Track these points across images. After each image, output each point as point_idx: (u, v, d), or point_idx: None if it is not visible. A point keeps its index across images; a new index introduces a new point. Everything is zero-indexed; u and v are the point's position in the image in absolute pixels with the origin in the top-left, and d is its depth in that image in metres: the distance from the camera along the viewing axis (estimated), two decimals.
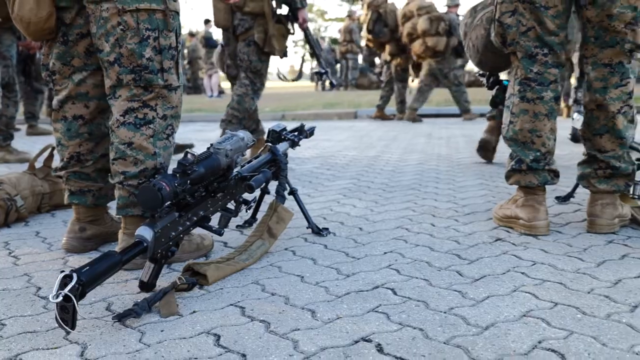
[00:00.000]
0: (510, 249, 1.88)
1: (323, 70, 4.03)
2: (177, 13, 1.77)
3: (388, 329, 1.29)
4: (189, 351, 1.21)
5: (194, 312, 1.42)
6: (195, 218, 1.64)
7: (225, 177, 1.74)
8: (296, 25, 3.83)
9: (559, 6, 1.98)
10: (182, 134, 5.98)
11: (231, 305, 1.46)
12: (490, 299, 1.45)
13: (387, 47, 7.69)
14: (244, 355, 1.19)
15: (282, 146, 2.13)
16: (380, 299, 1.48)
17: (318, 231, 2.12)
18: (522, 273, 1.64)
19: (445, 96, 10.72)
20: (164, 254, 1.54)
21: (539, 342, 1.21)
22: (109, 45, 1.69)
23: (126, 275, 1.69)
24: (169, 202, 1.50)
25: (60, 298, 1.20)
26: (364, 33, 8.03)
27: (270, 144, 2.10)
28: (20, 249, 2.04)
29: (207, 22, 14.89)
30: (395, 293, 1.51)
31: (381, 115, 8.19)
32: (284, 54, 3.82)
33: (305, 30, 3.87)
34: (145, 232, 1.47)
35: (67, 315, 1.22)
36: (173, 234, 1.55)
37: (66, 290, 1.21)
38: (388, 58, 7.78)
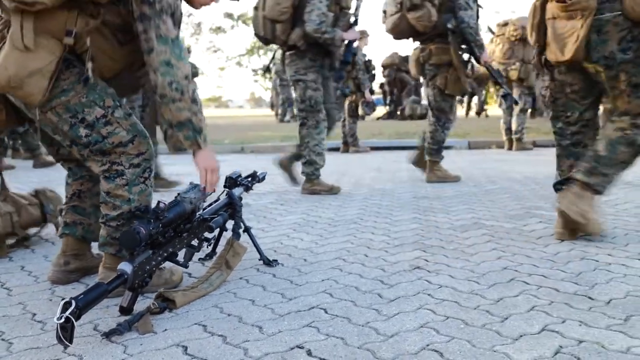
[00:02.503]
0: (424, 275, 2.31)
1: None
2: (91, 86, 1.96)
3: (317, 338, 1.69)
4: (163, 358, 1.59)
5: (166, 329, 1.80)
6: (165, 254, 2.02)
7: (190, 219, 2.12)
8: None
9: None
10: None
11: (195, 324, 1.84)
12: (398, 315, 1.87)
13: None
14: None
15: (237, 191, 2.53)
16: (314, 316, 1.88)
17: (268, 262, 2.51)
18: (429, 294, 2.07)
19: (398, 129, 11.32)
20: (140, 283, 1.91)
21: (427, 345, 1.62)
22: (57, 135, 2.04)
23: (107, 302, 2.05)
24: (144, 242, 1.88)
25: (63, 320, 1.56)
26: None
27: (227, 189, 2.50)
28: (10, 281, 2.37)
29: None
30: (326, 312, 1.92)
31: (346, 149, 8.67)
32: (463, 93, 5.02)
33: (488, 67, 4.93)
34: (126, 267, 1.84)
35: (66, 334, 1.58)
36: (147, 267, 1.92)
37: (67, 313, 1.57)
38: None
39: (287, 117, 17.27)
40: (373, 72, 8.79)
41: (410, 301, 2.01)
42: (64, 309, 1.58)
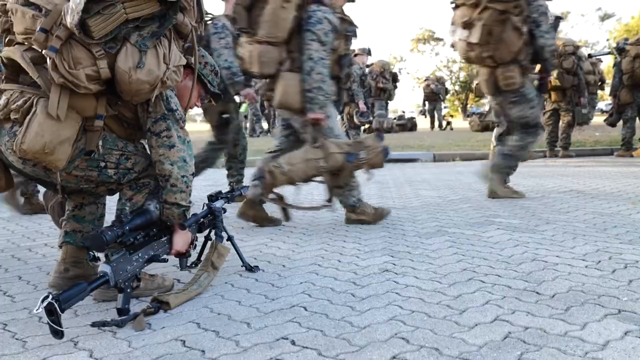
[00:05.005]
0: (392, 276, 2.57)
1: None
2: (104, 140, 2.23)
3: (299, 331, 1.93)
4: (165, 350, 1.81)
5: (164, 327, 2.01)
6: (146, 256, 2.22)
7: (167, 225, 2.33)
8: None
9: None
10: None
11: (190, 321, 2.07)
12: (370, 310, 2.12)
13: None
14: (203, 351, 1.80)
15: (218, 203, 2.75)
16: (295, 313, 2.12)
17: (250, 268, 2.74)
18: (396, 293, 2.32)
19: None
20: (127, 284, 2.11)
21: (395, 334, 1.88)
22: (83, 185, 2.31)
23: (107, 305, 2.25)
24: (119, 245, 2.11)
25: (41, 309, 1.78)
26: None
27: (207, 202, 2.72)
28: (11, 290, 2.55)
29: None
30: (306, 309, 2.16)
31: None
32: None
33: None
34: (105, 268, 2.05)
35: (55, 324, 1.80)
36: (129, 267, 2.12)
37: (43, 305, 1.78)
38: (341, 107, 8.66)
39: (257, 132, 17.48)
40: (367, 86, 9.11)
41: (380, 299, 2.26)
42: (42, 302, 1.80)
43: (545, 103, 9.02)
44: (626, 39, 8.98)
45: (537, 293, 2.27)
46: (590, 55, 9.13)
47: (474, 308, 2.12)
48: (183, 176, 2.25)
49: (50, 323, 1.80)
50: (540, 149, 8.86)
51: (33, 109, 2.07)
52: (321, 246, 3.25)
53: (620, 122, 8.82)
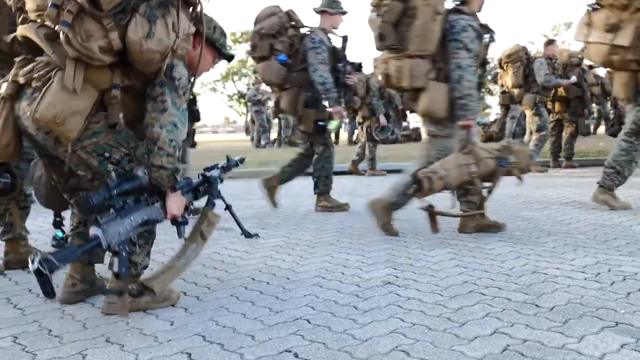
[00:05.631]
0: (394, 289, 2.61)
1: None
2: (118, 130, 2.29)
3: (302, 344, 1.98)
4: (182, 344, 1.86)
5: (170, 340, 2.07)
6: (139, 220, 2.25)
7: (159, 191, 2.35)
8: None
9: None
10: None
11: (195, 334, 2.12)
12: (372, 323, 2.17)
13: (360, 112, 8.67)
14: None
15: (214, 172, 2.77)
16: (298, 326, 2.16)
17: (249, 235, 2.82)
18: (398, 305, 2.37)
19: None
20: (121, 247, 2.15)
21: (396, 347, 1.92)
22: (80, 170, 2.34)
23: (116, 318, 2.31)
24: (107, 209, 2.15)
25: (36, 266, 1.87)
26: None
27: (202, 172, 2.74)
28: (21, 302, 2.60)
29: None
30: (309, 322, 2.21)
31: (355, 170, 9.01)
32: None
33: None
34: (95, 230, 2.11)
35: (45, 285, 1.89)
36: (121, 230, 2.17)
37: (36, 263, 1.88)
38: (361, 120, 8.74)
39: (262, 143, 17.56)
40: (387, 97, 9.13)
41: (382, 311, 2.30)
42: (32, 262, 1.90)
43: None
44: None
45: (537, 306, 2.31)
46: (591, 67, 9.16)
47: (473, 321, 2.16)
48: (171, 140, 2.26)
49: (40, 283, 1.88)
50: (543, 160, 8.88)
51: (51, 80, 2.16)
52: (325, 259, 3.29)
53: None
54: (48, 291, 1.90)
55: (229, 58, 2.82)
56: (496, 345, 1.92)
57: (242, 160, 3.06)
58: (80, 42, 2.10)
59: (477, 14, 3.88)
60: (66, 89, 2.14)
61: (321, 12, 5.12)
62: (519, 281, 2.67)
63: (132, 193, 2.26)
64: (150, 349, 1.99)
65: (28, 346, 2.06)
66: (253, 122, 18.46)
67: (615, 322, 2.09)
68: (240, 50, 29.51)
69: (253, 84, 20.89)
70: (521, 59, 8.05)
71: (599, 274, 2.75)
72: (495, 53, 36.69)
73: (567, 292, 2.47)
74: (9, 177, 2.83)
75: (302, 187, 6.47)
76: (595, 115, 15.46)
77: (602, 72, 9.94)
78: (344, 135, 18.58)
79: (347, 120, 17.14)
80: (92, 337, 2.12)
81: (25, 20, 2.32)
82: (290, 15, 5.01)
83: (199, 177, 2.69)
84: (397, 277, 2.83)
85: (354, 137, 16.45)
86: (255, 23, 5.01)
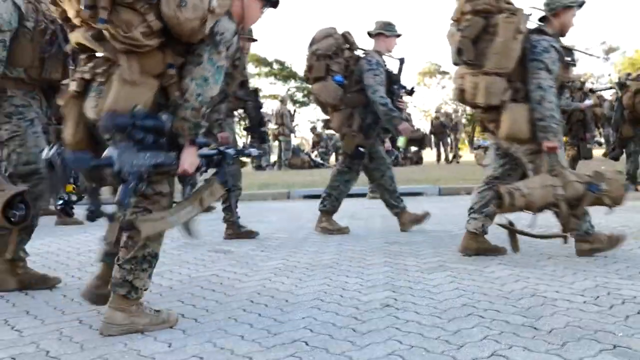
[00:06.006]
0: (393, 311, 2.61)
1: None
2: None
3: None
4: None
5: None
6: (154, 160, 2.26)
7: (176, 142, 2.33)
8: None
9: None
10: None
11: (193, 356, 2.12)
12: (370, 345, 2.16)
13: None
14: None
15: (231, 150, 2.72)
16: (296, 348, 2.16)
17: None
18: (397, 328, 2.37)
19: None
20: (132, 178, 2.16)
21: None
22: None
23: (114, 340, 2.30)
24: (127, 137, 2.17)
25: (49, 155, 2.01)
26: None
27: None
28: (19, 324, 2.60)
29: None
30: (307, 344, 2.20)
31: (374, 196, 8.94)
32: None
33: None
34: (111, 151, 2.14)
35: (53, 181, 2.04)
36: (135, 161, 2.18)
37: (49, 153, 2.01)
38: None
39: (263, 165, 17.61)
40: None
41: (380, 334, 2.30)
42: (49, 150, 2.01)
43: None
44: (628, 74, 9.08)
45: (535, 328, 2.31)
46: (592, 90, 9.24)
47: (471, 343, 2.16)
48: (199, 94, 2.27)
49: (49, 178, 2.00)
50: None
51: (111, 78, 2.24)
52: (324, 281, 3.29)
53: (624, 156, 8.86)
54: (54, 184, 1.92)
55: (275, 4, 2.83)
56: None
57: (257, 153, 3.02)
58: (123, 34, 2.17)
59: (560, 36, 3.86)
60: (126, 82, 2.20)
61: (377, 34, 5.16)
62: (518, 304, 2.67)
63: (153, 132, 2.26)
64: (165, 355, 1.99)
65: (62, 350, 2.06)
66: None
67: (613, 345, 2.09)
68: None
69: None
70: None
71: (598, 297, 2.75)
72: None
73: (565, 315, 2.47)
74: (24, 208, 2.88)
75: (301, 210, 6.48)
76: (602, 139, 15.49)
77: (606, 94, 10.03)
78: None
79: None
80: (89, 359, 2.12)
81: (74, 29, 2.37)
82: (346, 37, 5.10)
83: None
84: (396, 299, 2.83)
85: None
86: (311, 44, 5.09)
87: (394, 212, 5.24)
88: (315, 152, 19.14)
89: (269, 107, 20.99)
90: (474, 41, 3.71)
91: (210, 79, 2.30)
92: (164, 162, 2.31)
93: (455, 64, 3.94)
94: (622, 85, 8.55)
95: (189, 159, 2.35)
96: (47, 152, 2.23)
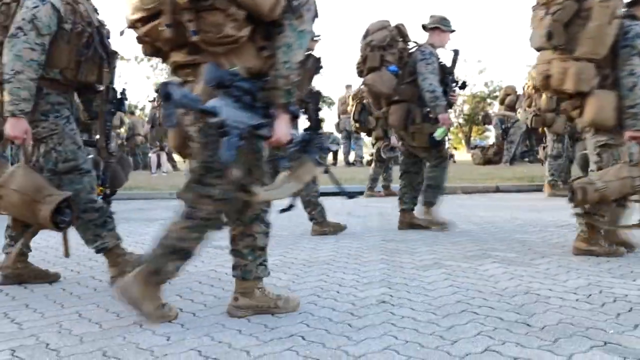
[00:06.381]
0: (388, 307, 2.65)
1: None
2: None
3: (296, 359, 2.01)
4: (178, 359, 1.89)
5: (166, 354, 2.10)
6: (252, 122, 2.26)
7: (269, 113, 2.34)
8: None
9: None
10: (123, 212, 6.56)
11: (191, 349, 2.15)
12: (366, 340, 2.20)
13: (374, 133, 8.70)
14: None
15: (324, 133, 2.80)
16: (293, 342, 2.20)
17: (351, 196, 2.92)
18: (392, 324, 2.40)
19: (367, 174, 11.72)
20: (234, 131, 2.17)
21: None
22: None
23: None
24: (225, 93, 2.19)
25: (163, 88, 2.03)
26: (351, 122, 8.98)
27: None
28: (18, 317, 2.63)
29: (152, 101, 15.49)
30: (303, 338, 2.24)
31: (389, 193, 8.96)
32: None
33: None
34: (215, 102, 2.16)
35: (168, 111, 2.07)
36: (238, 119, 2.20)
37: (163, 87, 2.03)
38: (374, 141, 8.75)
39: None
40: None
41: (376, 329, 2.34)
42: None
43: (544, 138, 9.14)
44: None
45: (528, 325, 2.35)
46: None
47: (465, 339, 2.20)
48: (285, 62, 2.29)
49: (163, 109, 2.05)
50: (539, 184, 8.95)
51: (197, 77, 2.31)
52: (321, 277, 3.33)
53: None
54: (169, 116, 1.99)
55: None
56: None
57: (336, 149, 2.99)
58: (217, 36, 2.22)
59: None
60: None
61: (433, 28, 5.20)
62: (512, 301, 2.71)
63: (249, 94, 2.28)
64: (165, 349, 2.02)
65: (26, 359, 2.09)
66: None
67: (604, 341, 2.13)
68: None
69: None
70: None
71: (590, 295, 2.79)
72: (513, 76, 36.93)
73: (558, 313, 2.51)
74: (69, 213, 2.93)
75: (299, 207, 6.50)
76: None
77: None
78: (341, 156, 18.65)
79: (343, 141, 17.25)
80: (89, 351, 2.15)
81: (167, 54, 2.44)
82: (400, 29, 5.15)
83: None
84: (391, 296, 2.86)
85: (351, 158, 16.52)
86: (365, 36, 5.15)
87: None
88: None
89: None
90: (565, 25, 3.61)
91: (293, 44, 2.31)
92: (261, 125, 2.32)
93: (539, 49, 3.84)
94: None
95: (283, 128, 2.37)
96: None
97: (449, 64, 5.20)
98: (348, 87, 16.10)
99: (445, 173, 5.24)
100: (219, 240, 2.94)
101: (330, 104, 32.90)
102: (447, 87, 5.09)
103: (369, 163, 16.70)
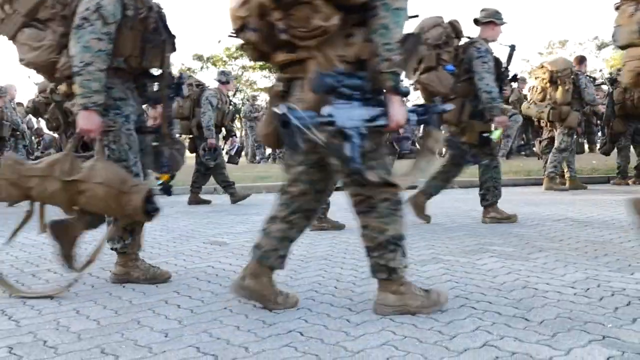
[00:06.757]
0: None
1: None
2: None
3: (295, 355, 2.01)
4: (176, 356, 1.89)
5: (164, 351, 2.09)
6: (367, 117, 2.27)
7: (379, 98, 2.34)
8: None
9: None
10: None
11: (190, 346, 2.14)
12: (364, 336, 2.20)
13: None
14: None
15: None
16: (291, 338, 2.19)
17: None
18: (390, 319, 2.40)
19: None
20: (354, 133, 2.22)
21: (387, 359, 1.96)
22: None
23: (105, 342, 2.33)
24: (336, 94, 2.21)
25: (281, 112, 2.09)
26: None
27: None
28: (16, 314, 2.63)
29: None
30: (302, 334, 2.24)
31: None
32: None
33: None
34: (329, 109, 2.18)
35: (291, 138, 2.09)
36: (351, 117, 2.23)
37: (281, 111, 2.09)
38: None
39: (257, 158, 17.62)
40: None
41: (374, 324, 2.34)
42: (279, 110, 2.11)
43: (541, 132, 9.15)
44: (619, 70, 9.15)
45: (526, 319, 2.35)
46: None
47: (464, 334, 2.19)
48: (385, 44, 2.26)
49: (284, 135, 2.07)
50: (537, 177, 8.96)
51: (309, 68, 2.34)
52: (318, 273, 3.32)
53: (615, 150, 8.93)
54: (294, 143, 1.99)
55: None
56: (485, 357, 1.95)
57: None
58: (307, 30, 2.23)
59: None
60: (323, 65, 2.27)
61: (486, 22, 5.15)
62: (510, 296, 2.71)
63: (358, 89, 2.27)
64: (163, 346, 2.02)
65: (24, 357, 2.08)
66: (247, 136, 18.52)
67: (603, 335, 2.13)
68: (235, 66, 29.63)
69: (248, 100, 21.00)
70: (571, 75, 7.84)
71: (588, 289, 2.79)
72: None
73: (556, 307, 2.51)
74: (156, 202, 2.89)
75: None
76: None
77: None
78: None
79: None
80: (87, 348, 2.14)
81: (268, 55, 2.50)
82: (454, 25, 5.09)
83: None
84: None
85: None
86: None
87: (485, 204, 5.27)
88: None
89: (263, 100, 20.96)
90: None
91: (390, 24, 2.27)
92: (377, 116, 2.32)
93: (627, 45, 3.71)
94: (613, 81, 8.60)
95: (398, 110, 2.34)
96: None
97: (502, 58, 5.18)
98: None
99: (499, 172, 5.24)
100: (216, 237, 2.94)
101: None
102: (502, 83, 5.08)
103: None
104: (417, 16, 4.72)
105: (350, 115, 2.22)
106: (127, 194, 2.78)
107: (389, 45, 2.27)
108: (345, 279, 3.15)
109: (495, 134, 4.97)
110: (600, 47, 33.39)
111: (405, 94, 2.40)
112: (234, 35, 2.50)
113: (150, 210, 2.84)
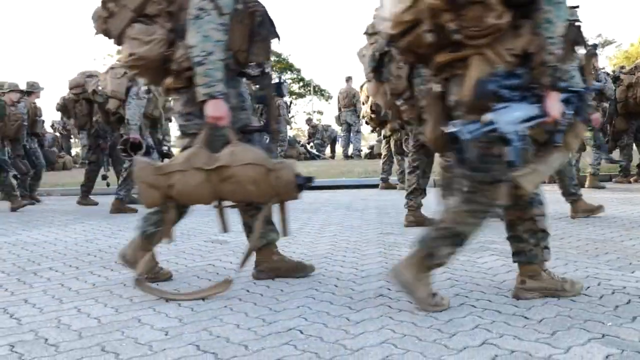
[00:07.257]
0: (386, 301, 2.65)
1: None
2: None
3: (294, 353, 2.02)
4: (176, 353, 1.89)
5: (164, 349, 2.10)
6: (526, 117, 2.29)
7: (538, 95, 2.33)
8: None
9: None
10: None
11: (189, 344, 2.15)
12: (363, 334, 2.20)
13: (389, 125, 8.61)
14: None
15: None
16: (291, 336, 2.20)
17: None
18: (390, 317, 2.41)
19: (367, 167, 11.73)
20: (514, 136, 2.25)
21: (387, 357, 1.96)
22: None
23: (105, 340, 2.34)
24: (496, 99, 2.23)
25: (454, 129, 2.18)
26: (365, 112, 8.92)
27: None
28: (17, 313, 2.64)
29: None
30: (301, 332, 2.24)
31: (388, 185, 8.98)
32: None
33: None
34: (490, 116, 2.21)
35: (463, 154, 2.19)
36: (512, 120, 2.25)
37: (454, 128, 2.19)
38: (388, 133, 8.67)
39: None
40: None
41: (374, 323, 2.34)
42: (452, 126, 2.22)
43: None
44: (622, 67, 9.13)
45: (526, 318, 2.35)
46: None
47: (463, 332, 2.20)
48: (549, 37, 2.27)
49: (454, 150, 2.19)
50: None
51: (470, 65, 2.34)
52: (319, 271, 3.33)
53: (617, 149, 8.92)
54: (465, 158, 2.09)
55: None
56: (484, 355, 1.96)
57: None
58: (480, 29, 2.24)
59: None
60: (487, 60, 2.29)
61: None
62: (510, 294, 2.71)
63: (517, 89, 2.29)
64: (145, 358, 2.02)
65: (25, 355, 2.09)
66: None
67: (602, 334, 2.13)
68: None
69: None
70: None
71: (588, 287, 2.79)
72: None
73: (556, 305, 2.51)
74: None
75: (296, 201, 6.50)
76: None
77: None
78: (339, 149, 18.65)
79: (342, 134, 17.19)
80: (87, 346, 2.15)
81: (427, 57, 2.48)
82: None
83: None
84: (389, 289, 2.86)
85: (349, 151, 16.53)
86: None
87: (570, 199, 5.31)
88: (311, 144, 19.14)
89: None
90: None
91: (553, 18, 2.28)
92: (535, 115, 2.32)
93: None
94: (615, 79, 8.58)
95: (554, 105, 2.34)
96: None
97: None
98: (348, 79, 16.07)
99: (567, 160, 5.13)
100: (217, 235, 2.94)
101: (329, 97, 32.81)
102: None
103: (366, 156, 16.69)
104: (577, 7, 4.69)
105: (509, 118, 2.24)
106: (275, 170, 2.73)
107: (553, 39, 2.29)
108: (345, 277, 3.16)
109: (589, 133, 4.98)
110: (604, 45, 33.34)
111: (564, 89, 2.40)
112: (392, 41, 2.48)
113: (302, 183, 2.80)
